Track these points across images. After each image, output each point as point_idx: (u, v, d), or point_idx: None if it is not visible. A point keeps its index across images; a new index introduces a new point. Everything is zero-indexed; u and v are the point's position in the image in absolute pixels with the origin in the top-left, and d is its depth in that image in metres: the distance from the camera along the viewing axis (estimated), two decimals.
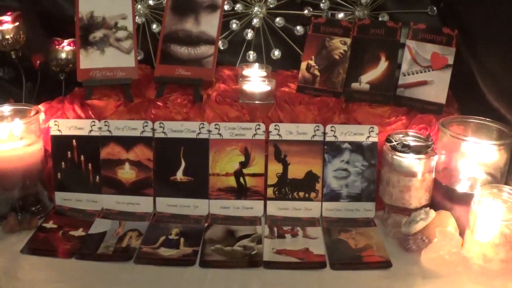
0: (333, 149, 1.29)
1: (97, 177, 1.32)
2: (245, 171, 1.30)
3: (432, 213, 1.16)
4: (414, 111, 1.40)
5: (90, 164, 1.32)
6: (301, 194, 1.30)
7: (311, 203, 1.30)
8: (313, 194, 1.30)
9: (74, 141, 1.32)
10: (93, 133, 1.31)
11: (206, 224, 1.26)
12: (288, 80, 1.57)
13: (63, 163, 1.32)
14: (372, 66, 1.46)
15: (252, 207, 1.30)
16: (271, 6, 1.65)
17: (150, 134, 1.31)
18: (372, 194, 1.29)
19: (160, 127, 1.30)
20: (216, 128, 1.30)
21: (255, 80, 1.43)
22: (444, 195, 1.22)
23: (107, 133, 1.31)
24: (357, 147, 1.29)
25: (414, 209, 1.20)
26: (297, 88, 1.51)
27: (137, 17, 1.65)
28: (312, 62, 1.51)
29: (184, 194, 1.31)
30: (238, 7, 1.65)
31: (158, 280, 1.07)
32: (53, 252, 1.15)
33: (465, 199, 1.16)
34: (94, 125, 1.31)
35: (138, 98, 1.42)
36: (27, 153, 1.25)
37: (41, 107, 1.39)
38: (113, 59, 1.43)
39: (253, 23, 1.66)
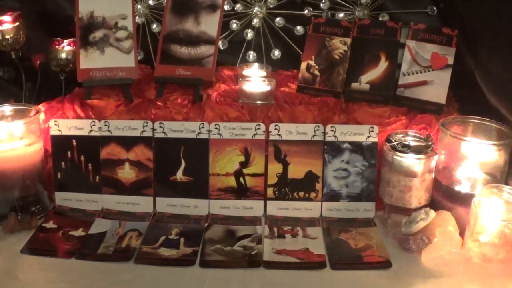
0: (333, 149, 1.29)
1: (97, 177, 1.32)
2: (245, 171, 1.30)
3: (432, 213, 1.16)
4: (414, 111, 1.40)
5: (90, 164, 1.32)
6: (301, 194, 1.30)
7: (311, 203, 1.30)
8: (313, 194, 1.30)
9: (74, 141, 1.32)
10: (93, 133, 1.31)
11: (206, 224, 1.26)
12: (288, 80, 1.57)
13: (63, 163, 1.32)
14: (372, 66, 1.46)
15: (252, 207, 1.30)
16: (271, 6, 1.65)
17: (150, 134, 1.31)
18: (372, 194, 1.29)
19: (160, 127, 1.30)
20: (216, 128, 1.30)
21: (255, 80, 1.43)
22: (444, 195, 1.22)
23: (107, 133, 1.31)
24: (357, 147, 1.29)
25: (414, 209, 1.20)
26: (297, 88, 1.51)
27: (137, 17, 1.65)
28: (312, 62, 1.51)
29: (184, 194, 1.31)
30: (238, 7, 1.65)
31: (158, 280, 1.07)
32: (53, 252, 1.15)
33: (465, 199, 1.16)
34: (94, 125, 1.31)
35: (138, 98, 1.42)
36: (27, 153, 1.25)
37: (41, 107, 1.38)
38: (113, 59, 1.43)
39: (253, 23, 1.66)
